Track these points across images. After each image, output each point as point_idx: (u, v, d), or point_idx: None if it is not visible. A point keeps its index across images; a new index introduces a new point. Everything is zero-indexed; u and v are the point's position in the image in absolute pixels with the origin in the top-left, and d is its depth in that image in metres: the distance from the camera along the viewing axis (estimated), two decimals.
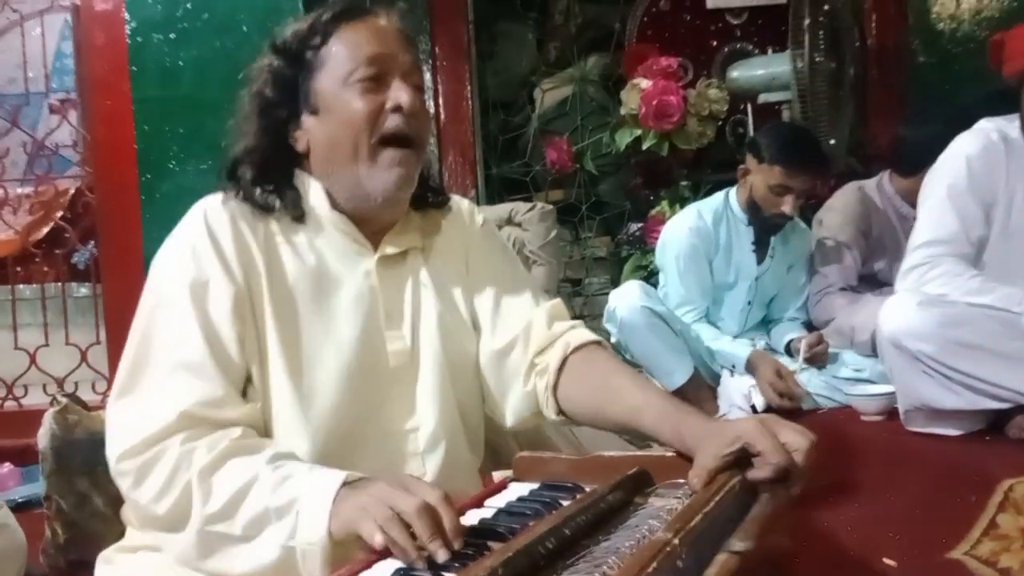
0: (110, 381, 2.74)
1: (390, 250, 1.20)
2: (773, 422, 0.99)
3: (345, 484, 0.92)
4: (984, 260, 2.12)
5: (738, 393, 2.53)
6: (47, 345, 2.98)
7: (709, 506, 0.81)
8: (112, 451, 1.02)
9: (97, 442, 1.67)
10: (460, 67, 3.64)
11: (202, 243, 1.09)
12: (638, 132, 3.40)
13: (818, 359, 2.63)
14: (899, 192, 2.87)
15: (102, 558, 1.14)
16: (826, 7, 3.06)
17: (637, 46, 3.79)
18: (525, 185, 3.84)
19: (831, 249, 2.87)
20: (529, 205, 2.94)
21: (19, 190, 3.44)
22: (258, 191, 1.14)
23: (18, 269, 3.23)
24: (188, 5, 2.71)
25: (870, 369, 2.55)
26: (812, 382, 2.63)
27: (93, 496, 1.67)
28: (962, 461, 1.89)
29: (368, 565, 0.82)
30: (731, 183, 2.81)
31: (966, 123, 2.32)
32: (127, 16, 2.71)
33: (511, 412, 1.25)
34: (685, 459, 1.00)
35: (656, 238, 3.02)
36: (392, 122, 1.12)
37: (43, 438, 1.69)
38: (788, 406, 2.47)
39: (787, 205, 2.60)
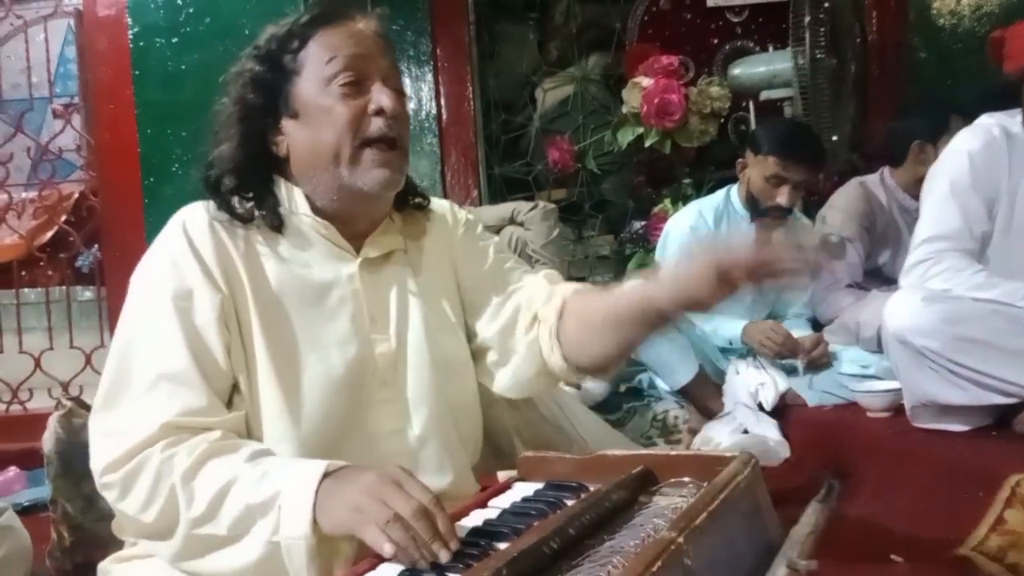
0: None
1: (372, 253, 1.20)
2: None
3: (327, 475, 0.92)
4: (987, 255, 2.11)
5: (744, 391, 2.52)
6: (52, 349, 2.98)
7: (714, 504, 0.81)
8: (96, 464, 1.02)
9: None
10: (461, 68, 3.64)
11: (183, 254, 1.08)
12: (640, 130, 3.40)
13: (819, 361, 2.62)
14: (900, 185, 2.87)
15: (100, 570, 1.14)
16: (826, 4, 3.05)
17: (638, 45, 3.79)
18: (527, 184, 3.84)
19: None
20: (531, 204, 2.94)
21: (23, 195, 3.44)
22: (237, 200, 1.14)
23: (23, 273, 3.23)
24: (190, 10, 2.71)
25: (876, 365, 2.54)
26: (818, 380, 2.63)
27: (99, 499, 1.66)
28: (968, 457, 1.88)
29: (372, 567, 0.82)
30: (733, 180, 2.81)
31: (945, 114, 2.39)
32: (130, 21, 2.72)
33: (517, 374, 1.24)
34: (689, 457, 1.00)
35: (659, 236, 3.02)
36: (375, 126, 1.12)
37: (48, 442, 1.70)
38: (795, 359, 2.56)
39: (782, 196, 2.60)
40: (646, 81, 3.37)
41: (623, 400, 2.77)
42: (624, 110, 3.46)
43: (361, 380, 1.14)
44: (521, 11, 3.94)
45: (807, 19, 2.88)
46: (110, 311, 2.89)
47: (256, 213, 1.14)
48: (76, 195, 3.38)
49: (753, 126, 3.34)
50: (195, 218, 1.12)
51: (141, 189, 2.70)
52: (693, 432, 2.46)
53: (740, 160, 2.74)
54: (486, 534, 0.86)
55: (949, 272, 2.05)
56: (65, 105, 3.46)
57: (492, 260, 1.30)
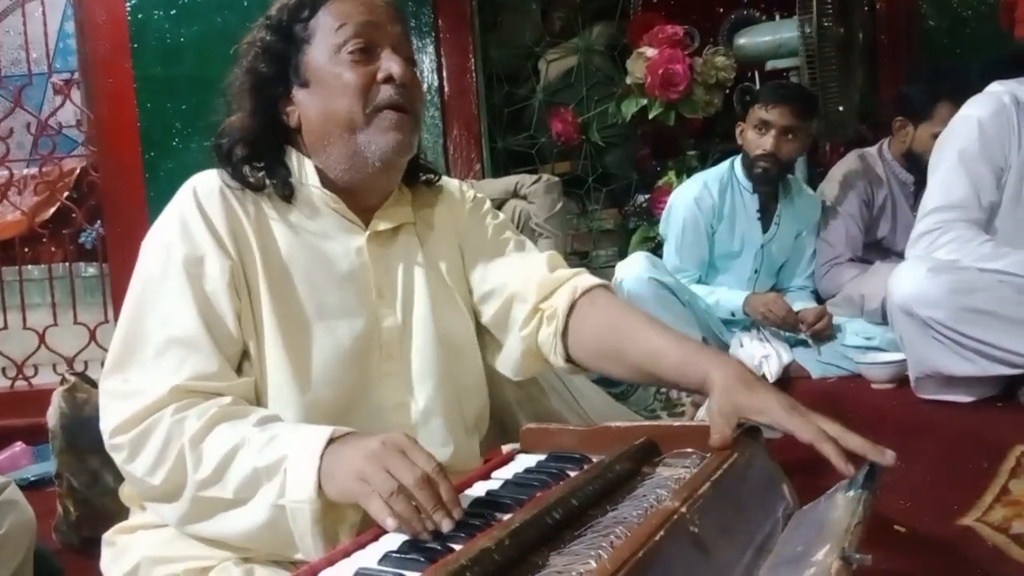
0: None
1: (382, 226, 1.20)
2: (801, 407, 0.95)
3: (333, 440, 0.92)
4: (996, 225, 2.09)
5: (748, 363, 2.52)
6: (56, 325, 2.99)
7: (718, 474, 0.81)
8: (106, 425, 1.02)
9: None
10: (464, 39, 3.60)
11: (194, 220, 1.08)
12: (644, 102, 3.37)
13: (822, 334, 2.62)
14: (894, 158, 2.85)
15: (105, 541, 1.15)
16: None
17: (642, 15, 3.74)
18: (531, 157, 3.81)
19: (835, 220, 2.85)
20: (534, 177, 2.92)
21: (24, 171, 3.44)
22: (248, 169, 1.14)
23: (26, 250, 3.24)
24: None
25: (880, 337, 2.54)
26: (823, 351, 2.62)
27: (104, 473, 1.68)
28: (974, 428, 1.88)
29: (375, 537, 0.81)
30: (739, 152, 2.79)
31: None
32: None
33: (511, 360, 1.25)
34: (693, 428, 0.99)
35: (663, 209, 3.01)
36: (385, 93, 1.12)
37: (52, 416, 1.71)
38: (795, 332, 2.58)
39: (768, 141, 2.61)
40: (650, 51, 3.33)
41: None
42: (628, 81, 3.43)
43: (367, 353, 1.14)
44: None
45: None
46: (113, 287, 2.89)
47: (267, 182, 1.14)
48: (77, 170, 3.37)
49: None
50: (206, 185, 1.12)
51: (142, 163, 2.70)
52: (696, 405, 2.46)
53: (739, 124, 2.75)
54: (489, 504, 0.86)
55: (956, 242, 2.03)
56: (65, 80, 3.45)
57: (494, 239, 1.30)
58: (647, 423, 1.11)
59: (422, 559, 0.75)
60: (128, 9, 2.69)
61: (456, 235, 1.29)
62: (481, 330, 1.29)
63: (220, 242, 1.08)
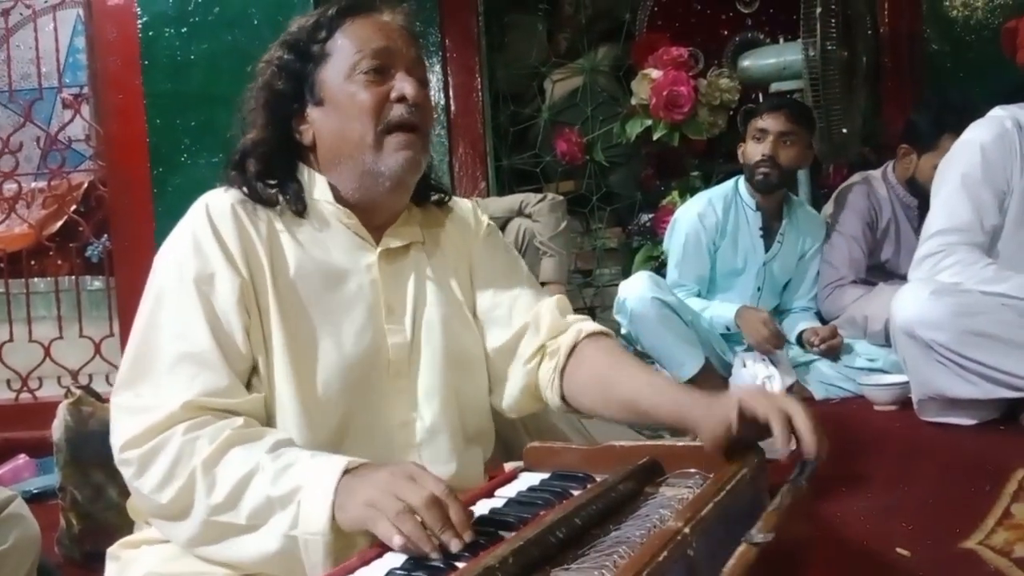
0: None
1: (392, 244, 1.21)
2: (770, 393, 1.03)
3: (347, 472, 0.92)
4: (998, 249, 2.10)
5: (750, 383, 2.52)
6: (61, 338, 3.00)
7: (720, 495, 0.81)
8: (116, 440, 1.02)
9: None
10: (470, 59, 3.63)
11: (206, 237, 1.09)
12: (648, 122, 3.40)
13: (832, 351, 2.63)
14: (900, 181, 2.86)
15: (109, 554, 1.15)
16: None
17: (647, 36, 3.78)
18: (535, 176, 3.83)
19: (838, 242, 2.86)
20: (539, 196, 2.94)
21: (33, 184, 3.46)
22: (261, 185, 1.15)
23: (32, 263, 3.25)
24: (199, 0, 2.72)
25: (883, 359, 2.54)
26: (825, 372, 2.62)
27: (107, 487, 1.68)
28: (976, 450, 1.88)
29: (379, 555, 0.82)
30: (742, 172, 2.81)
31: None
32: (139, 11, 2.72)
33: (511, 397, 1.26)
34: (696, 448, 1.00)
35: (666, 228, 3.02)
36: (397, 112, 1.15)
37: (57, 430, 1.71)
38: (777, 349, 2.61)
39: (765, 146, 2.66)
40: (655, 73, 3.36)
41: None
42: (633, 102, 3.45)
43: (374, 370, 1.15)
44: (531, 2, 3.93)
45: (818, 10, 2.86)
46: (119, 301, 2.90)
47: (280, 198, 1.16)
48: (85, 185, 3.39)
49: None
50: (218, 202, 1.13)
51: (150, 179, 2.71)
52: None
53: (740, 144, 2.78)
54: (492, 523, 0.86)
55: (959, 265, 2.04)
56: (74, 95, 3.47)
57: (508, 273, 1.31)
58: (651, 443, 1.11)
59: None
60: (139, 26, 2.71)
61: (467, 257, 1.30)
62: (484, 356, 1.29)
63: (231, 259, 1.09)
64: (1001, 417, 2.03)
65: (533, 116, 3.89)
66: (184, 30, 2.71)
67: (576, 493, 0.91)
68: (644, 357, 2.74)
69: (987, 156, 2.09)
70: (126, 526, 1.21)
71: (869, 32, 3.37)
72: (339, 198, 1.18)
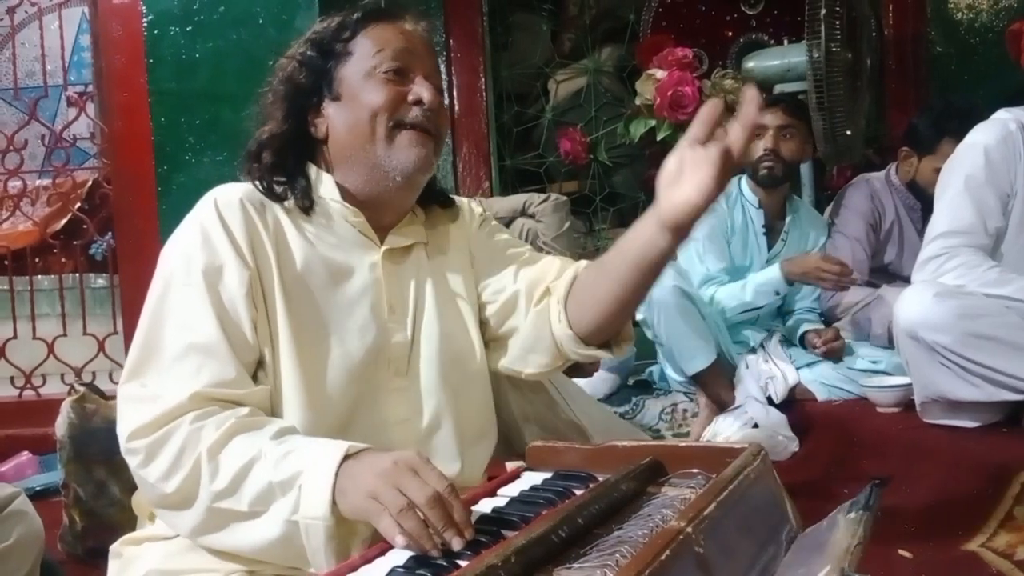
0: None
1: (396, 244, 1.22)
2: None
3: (348, 456, 0.93)
4: (1001, 251, 2.10)
5: (754, 384, 2.52)
6: (65, 335, 3.00)
7: (723, 495, 0.81)
8: (123, 429, 1.03)
9: (114, 431, 1.68)
10: (474, 59, 3.63)
11: (214, 229, 1.10)
12: (652, 123, 3.39)
13: (834, 353, 2.63)
14: (903, 184, 2.87)
15: (112, 552, 1.16)
16: None
17: (652, 37, 3.77)
18: (539, 176, 3.84)
19: (841, 243, 2.86)
20: (543, 196, 2.93)
21: (37, 182, 3.46)
22: (272, 179, 1.17)
23: (36, 260, 3.24)
24: None
25: (886, 361, 2.54)
26: (828, 374, 2.62)
27: (110, 484, 1.69)
28: (979, 453, 1.88)
29: (382, 552, 0.82)
30: (743, 171, 2.81)
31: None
32: (144, 9, 2.72)
33: (523, 343, 1.24)
34: (698, 448, 1.00)
35: None
36: (412, 114, 1.17)
37: (61, 427, 1.72)
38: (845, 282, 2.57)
39: (767, 141, 2.66)
40: (659, 73, 3.36)
41: (632, 393, 2.77)
42: (637, 102, 3.45)
43: (375, 367, 1.16)
44: (535, 2, 3.93)
45: (823, 12, 2.86)
46: (123, 298, 2.90)
47: (288, 194, 1.17)
48: (90, 182, 3.39)
49: None
50: (227, 196, 1.15)
51: (154, 177, 2.71)
52: (702, 426, 2.46)
53: None
54: (495, 522, 0.86)
55: (963, 268, 2.04)
56: (79, 93, 3.47)
57: (506, 249, 1.33)
58: (653, 443, 1.12)
59: (429, 575, 0.75)
60: (144, 24, 2.71)
61: (466, 252, 1.31)
62: (487, 327, 1.29)
63: (239, 252, 1.10)
64: (1004, 420, 2.04)
65: (537, 116, 3.89)
66: (189, 28, 2.71)
67: (578, 493, 0.91)
68: (648, 357, 2.75)
69: (991, 159, 2.09)
70: (129, 523, 1.21)
71: (874, 34, 3.36)
72: (346, 196, 1.20)
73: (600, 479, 0.95)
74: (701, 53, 3.65)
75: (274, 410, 1.10)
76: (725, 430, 2.30)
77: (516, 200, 2.98)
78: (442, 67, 3.58)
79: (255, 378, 1.09)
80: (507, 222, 2.89)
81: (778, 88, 3.20)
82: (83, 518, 1.71)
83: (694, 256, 2.77)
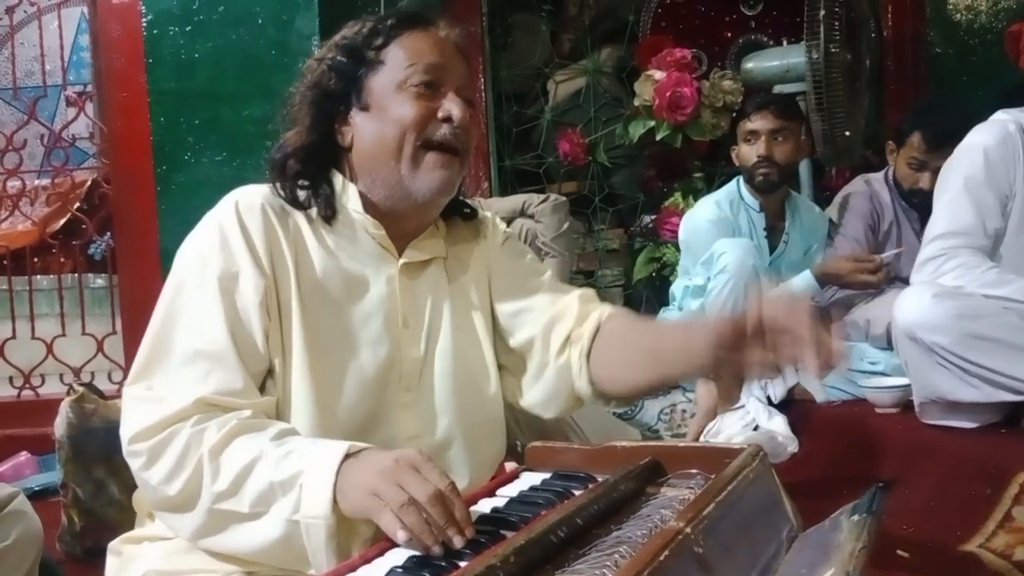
0: (126, 371, 2.76)
1: (414, 258, 1.20)
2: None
3: (349, 456, 0.92)
4: (1000, 252, 2.10)
5: (756, 384, 2.52)
6: (64, 335, 3.00)
7: (722, 495, 0.81)
8: (126, 431, 1.02)
9: (113, 431, 1.68)
10: (474, 59, 3.63)
11: (233, 233, 1.09)
12: (651, 124, 3.40)
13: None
14: (893, 179, 2.87)
15: (111, 549, 1.15)
16: None
17: (651, 37, 3.78)
18: (538, 177, 3.84)
19: (841, 244, 2.86)
20: (542, 196, 2.93)
21: (36, 182, 3.46)
22: (296, 187, 1.15)
23: (35, 260, 3.24)
24: None
25: (885, 362, 2.54)
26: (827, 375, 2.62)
27: (109, 484, 1.69)
28: (977, 454, 1.88)
29: (381, 552, 0.82)
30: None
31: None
32: (143, 9, 2.72)
33: (545, 394, 1.24)
34: (698, 448, 1.00)
35: (669, 230, 3.01)
36: (441, 131, 1.14)
37: (60, 427, 1.72)
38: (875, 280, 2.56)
39: (759, 147, 2.65)
40: (658, 74, 3.36)
41: None
42: (636, 103, 3.46)
43: (386, 382, 1.15)
44: (534, 2, 3.93)
45: (822, 12, 2.86)
46: (122, 298, 2.90)
47: (312, 202, 1.15)
48: (89, 182, 3.39)
49: None
50: (248, 199, 1.13)
51: (153, 177, 2.71)
52: (700, 427, 2.46)
53: (733, 148, 2.78)
54: (494, 522, 0.86)
55: (962, 268, 2.04)
56: (78, 92, 3.48)
57: (528, 276, 1.30)
58: (652, 443, 1.12)
59: (428, 575, 0.75)
60: (144, 24, 2.71)
61: (485, 269, 1.29)
62: (506, 367, 1.28)
63: (256, 259, 1.08)
64: (1002, 420, 2.04)
65: (536, 117, 3.89)
66: (188, 28, 2.71)
67: (577, 493, 0.91)
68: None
69: (990, 160, 2.09)
70: (127, 522, 1.21)
71: (873, 35, 3.37)
72: (368, 207, 1.18)
73: (599, 479, 0.96)
74: (700, 54, 3.65)
75: (283, 421, 1.08)
76: (727, 429, 2.30)
77: (515, 201, 2.98)
78: None
79: (263, 387, 1.09)
80: (506, 223, 2.89)
81: (777, 89, 3.20)
82: (82, 518, 1.71)
83: (698, 263, 2.75)
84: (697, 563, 0.71)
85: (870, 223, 2.87)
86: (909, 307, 2.05)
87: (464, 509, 0.84)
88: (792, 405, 2.49)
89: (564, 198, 3.00)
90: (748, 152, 2.70)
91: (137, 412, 1.02)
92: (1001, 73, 3.07)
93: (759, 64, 3.30)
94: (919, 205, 2.74)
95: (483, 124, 3.64)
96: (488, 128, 3.66)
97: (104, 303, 3.10)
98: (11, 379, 2.98)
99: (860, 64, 3.12)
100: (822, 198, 3.25)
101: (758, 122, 2.68)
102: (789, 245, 2.80)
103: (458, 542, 0.80)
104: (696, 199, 3.09)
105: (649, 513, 0.86)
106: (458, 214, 1.30)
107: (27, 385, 2.97)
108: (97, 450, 1.68)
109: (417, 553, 0.81)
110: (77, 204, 3.34)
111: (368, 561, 0.80)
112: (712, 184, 3.40)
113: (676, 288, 2.87)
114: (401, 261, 1.19)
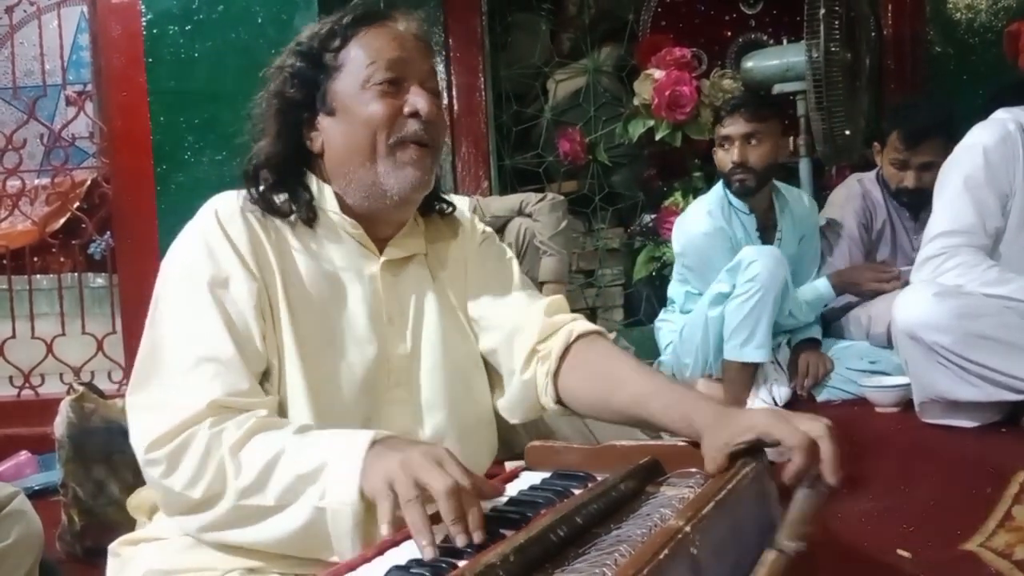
0: (126, 370, 2.76)
1: (395, 255, 1.20)
2: (786, 413, 0.98)
3: (376, 442, 0.93)
4: (1000, 251, 2.10)
5: (764, 387, 2.53)
6: (64, 335, 3.00)
7: (721, 494, 0.81)
8: (140, 441, 1.01)
9: (113, 430, 1.70)
10: (473, 58, 3.64)
11: (218, 241, 1.09)
12: (651, 123, 3.40)
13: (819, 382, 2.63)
14: (888, 182, 2.87)
15: (110, 551, 1.15)
16: None
17: (651, 37, 3.78)
18: (538, 176, 3.84)
19: (837, 243, 2.86)
20: (539, 195, 2.94)
21: (36, 181, 3.46)
22: (273, 197, 1.15)
23: (35, 259, 3.25)
24: None
25: (885, 361, 2.54)
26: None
27: (109, 483, 1.69)
28: (977, 453, 1.88)
29: (380, 552, 0.82)
30: None
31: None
32: (143, 8, 2.73)
33: (510, 404, 1.25)
34: (697, 447, 1.00)
35: (669, 229, 3.01)
36: (410, 127, 1.13)
37: (60, 426, 1.72)
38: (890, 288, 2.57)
39: (733, 153, 2.64)
40: (658, 73, 3.36)
41: None
42: (636, 102, 3.46)
43: (376, 379, 1.15)
44: (534, 2, 3.93)
45: (822, 12, 2.86)
46: (122, 298, 2.91)
47: (292, 207, 1.15)
48: (88, 182, 3.39)
49: None
50: (227, 206, 1.13)
51: (153, 176, 2.71)
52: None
53: (714, 150, 2.77)
54: (493, 521, 0.86)
55: (962, 267, 2.04)
56: (78, 92, 3.47)
57: (500, 277, 1.30)
58: (651, 442, 1.11)
59: (427, 574, 0.75)
60: (143, 23, 2.72)
61: (463, 266, 1.29)
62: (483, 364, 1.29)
63: (244, 263, 1.08)
64: (1002, 419, 2.04)
65: (536, 116, 3.89)
66: (188, 28, 2.71)
67: (577, 492, 0.91)
68: (648, 357, 2.74)
69: (990, 159, 2.09)
70: (127, 522, 1.21)
71: (872, 34, 3.37)
72: (344, 208, 1.18)
73: (599, 479, 0.95)
74: (700, 53, 3.65)
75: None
76: None
77: (513, 200, 2.99)
78: (441, 67, 3.59)
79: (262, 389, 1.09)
80: (504, 222, 2.90)
81: (777, 88, 3.20)
82: (82, 517, 1.72)
83: (698, 276, 2.75)
84: (691, 564, 0.71)
85: (863, 221, 2.87)
86: (909, 306, 2.05)
87: (479, 513, 0.83)
88: (792, 405, 2.49)
89: (562, 197, 3.00)
90: (724, 158, 2.68)
91: (147, 421, 1.01)
92: (999, 72, 3.07)
93: (759, 63, 3.30)
94: (910, 204, 2.75)
95: (483, 123, 3.65)
96: (488, 127, 3.66)
97: (104, 302, 3.10)
98: (11, 379, 2.99)
99: (860, 63, 3.12)
100: (821, 197, 3.25)
101: (730, 127, 2.65)
102: (783, 239, 2.79)
103: (461, 541, 0.80)
104: (696, 198, 3.09)
105: (649, 512, 0.86)
106: (436, 211, 1.29)
107: (27, 385, 2.97)
108: (97, 450, 1.68)
109: (417, 555, 0.81)
110: (77, 203, 3.34)
111: (368, 561, 0.80)
112: (711, 183, 3.39)
113: (674, 292, 2.87)
114: (382, 259, 1.19)
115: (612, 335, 3.03)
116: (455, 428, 1.19)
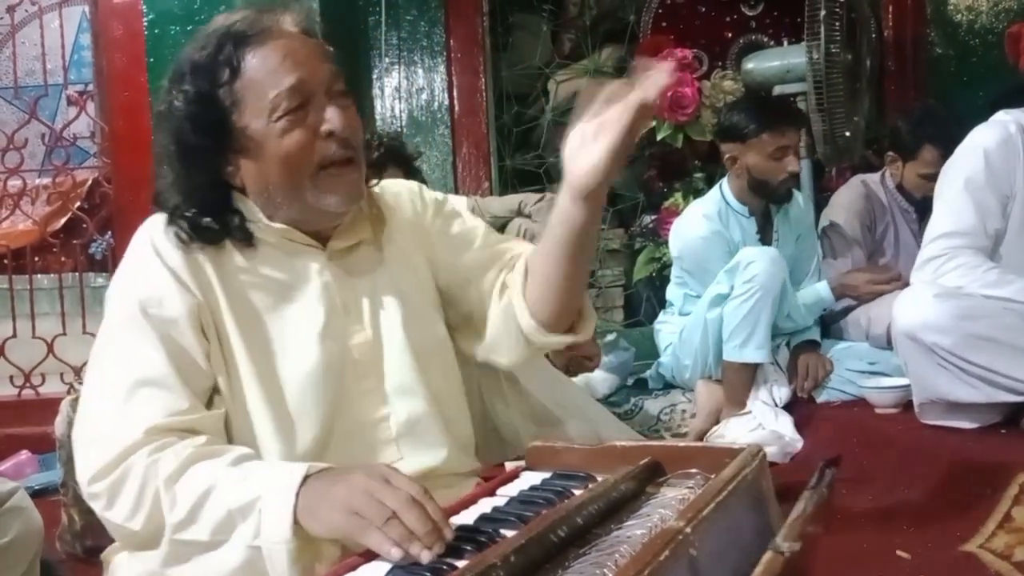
0: None
1: (340, 244, 1.19)
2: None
3: (309, 476, 0.92)
4: (1001, 253, 2.10)
5: (764, 388, 2.52)
6: (64, 334, 3.00)
7: (721, 495, 0.82)
8: (82, 475, 1.02)
9: None
10: (474, 59, 3.64)
11: (152, 263, 1.09)
12: (652, 123, 3.39)
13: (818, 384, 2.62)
14: (897, 186, 2.86)
15: (103, 559, 1.15)
16: None
17: (652, 37, 3.77)
18: (539, 177, 3.83)
19: (839, 244, 2.86)
20: (539, 196, 2.94)
21: (37, 181, 3.46)
22: (200, 227, 1.11)
23: (36, 259, 3.25)
24: None
25: (885, 362, 2.54)
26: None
27: None
28: (977, 454, 1.88)
29: (354, 567, 0.81)
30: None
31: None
32: (144, 8, 2.73)
33: (495, 337, 1.23)
34: (697, 449, 1.00)
35: (669, 230, 3.00)
36: (328, 149, 1.10)
37: (60, 425, 1.72)
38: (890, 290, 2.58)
39: (791, 163, 2.62)
40: None
41: (631, 394, 2.77)
42: None
43: (341, 372, 1.14)
44: (535, 2, 3.93)
45: (822, 13, 2.86)
46: None
47: (224, 234, 1.12)
48: (89, 181, 3.39)
49: None
50: (161, 230, 1.11)
51: (154, 176, 2.71)
52: (701, 432, 2.46)
53: (731, 154, 2.74)
54: (494, 521, 0.86)
55: (963, 269, 2.04)
56: (79, 92, 3.48)
57: (464, 240, 1.28)
58: (652, 443, 1.12)
59: (428, 574, 0.75)
60: (145, 23, 2.72)
61: (421, 242, 1.27)
62: (458, 324, 1.28)
63: (180, 281, 1.07)
64: (1002, 421, 2.03)
65: (537, 117, 3.89)
66: (190, 28, 2.71)
67: (577, 493, 0.91)
68: (648, 358, 2.74)
69: (991, 160, 2.09)
70: None
71: (873, 36, 3.37)
72: (274, 218, 1.14)
73: (599, 479, 0.96)
74: (701, 54, 3.65)
75: (240, 434, 1.09)
76: (730, 434, 2.31)
77: (512, 200, 2.99)
78: (442, 67, 3.59)
79: (211, 403, 1.08)
80: (504, 222, 2.90)
81: (778, 89, 3.20)
82: (82, 517, 1.72)
83: (698, 280, 2.74)
84: (691, 565, 0.71)
85: (867, 223, 2.87)
86: (909, 307, 2.04)
87: (438, 509, 0.83)
88: (793, 406, 2.49)
89: None
90: (775, 167, 2.62)
91: (89, 453, 1.02)
92: (1000, 74, 3.07)
93: (759, 64, 3.30)
94: (920, 209, 2.74)
95: (484, 124, 3.65)
96: (489, 128, 3.66)
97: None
98: (12, 378, 2.99)
99: (860, 65, 3.12)
100: (822, 199, 3.25)
101: (792, 138, 2.63)
102: (781, 240, 2.79)
103: (439, 548, 0.79)
104: (696, 199, 3.08)
105: (649, 513, 0.86)
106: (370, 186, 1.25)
107: (27, 384, 2.97)
108: None
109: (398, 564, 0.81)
110: (78, 203, 3.35)
111: (368, 560, 0.80)
112: (712, 184, 3.39)
113: (673, 295, 2.86)
114: (328, 250, 1.17)
115: (612, 335, 3.04)
116: (430, 404, 1.18)
